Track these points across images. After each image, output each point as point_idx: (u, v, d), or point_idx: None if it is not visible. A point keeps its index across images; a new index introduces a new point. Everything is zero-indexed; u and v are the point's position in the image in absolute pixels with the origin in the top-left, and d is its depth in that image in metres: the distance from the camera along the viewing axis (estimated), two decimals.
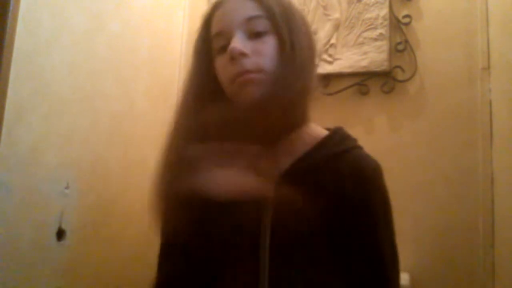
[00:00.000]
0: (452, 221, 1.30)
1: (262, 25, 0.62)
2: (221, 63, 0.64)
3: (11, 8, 0.91)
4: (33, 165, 0.99)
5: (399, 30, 1.44)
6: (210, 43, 0.67)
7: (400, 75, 1.43)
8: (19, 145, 0.94)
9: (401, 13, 1.44)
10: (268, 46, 0.62)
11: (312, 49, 0.66)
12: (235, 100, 0.64)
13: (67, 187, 1.09)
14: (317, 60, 0.70)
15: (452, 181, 1.32)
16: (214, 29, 0.66)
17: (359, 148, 0.69)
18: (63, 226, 1.07)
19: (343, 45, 1.48)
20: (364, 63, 1.44)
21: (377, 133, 1.44)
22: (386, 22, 1.43)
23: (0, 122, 0.89)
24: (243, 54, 0.60)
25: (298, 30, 0.64)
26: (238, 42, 0.60)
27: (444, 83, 1.38)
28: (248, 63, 0.60)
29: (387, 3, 1.44)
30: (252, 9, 0.62)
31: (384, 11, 1.44)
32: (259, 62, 0.61)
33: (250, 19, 0.62)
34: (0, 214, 0.90)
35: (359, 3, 1.48)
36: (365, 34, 1.45)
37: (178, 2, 1.71)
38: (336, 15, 1.50)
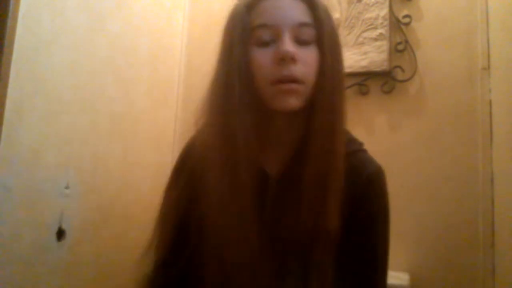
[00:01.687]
0: (452, 221, 1.30)
1: (310, 33, 0.61)
2: (261, 58, 0.61)
3: (11, 8, 0.91)
4: (33, 165, 0.98)
5: (399, 30, 1.44)
6: (249, 31, 0.62)
7: (400, 75, 1.43)
8: (19, 146, 0.94)
9: (401, 13, 1.44)
10: (313, 56, 0.61)
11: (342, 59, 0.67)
12: (267, 101, 0.62)
13: (67, 187, 1.09)
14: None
15: (452, 181, 1.32)
16: (260, 19, 0.62)
17: (364, 151, 0.69)
18: (63, 226, 1.07)
19: (343, 45, 1.47)
20: (364, 63, 1.44)
21: (377, 133, 1.44)
22: (386, 22, 1.43)
23: (0, 122, 0.89)
24: (294, 60, 0.59)
25: (338, 43, 0.65)
26: (291, 46, 0.59)
27: (444, 83, 1.38)
28: (297, 70, 0.59)
29: (387, 3, 1.44)
30: (304, 15, 0.62)
31: (384, 11, 1.44)
32: (305, 72, 0.60)
33: (302, 25, 0.61)
34: (0, 214, 0.90)
35: (359, 3, 1.48)
36: (365, 34, 1.45)
37: (178, 2, 1.71)
38: (336, 15, 1.50)
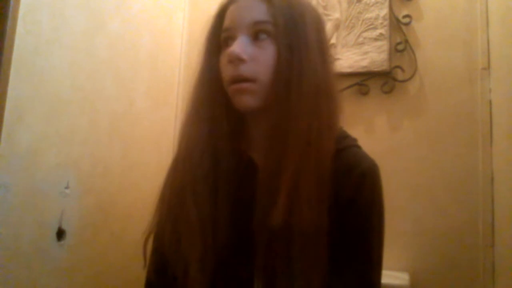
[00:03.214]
0: (452, 221, 1.30)
1: (266, 30, 0.62)
2: (223, 60, 0.65)
3: (11, 8, 0.91)
4: (33, 165, 0.98)
5: (399, 30, 1.44)
6: (219, 36, 0.67)
7: (400, 75, 1.43)
8: (19, 146, 0.94)
9: (401, 13, 1.45)
10: (267, 53, 0.62)
11: (325, 58, 0.66)
12: (232, 102, 0.65)
13: (67, 187, 1.09)
14: (330, 62, 0.68)
15: (452, 181, 1.32)
16: (225, 23, 0.66)
17: (357, 147, 0.69)
18: (63, 226, 1.07)
19: (343, 45, 1.48)
20: (364, 63, 1.44)
21: (377, 133, 1.44)
22: (386, 22, 1.43)
23: (0, 122, 0.89)
24: (240, 60, 0.61)
25: (301, 39, 0.63)
26: (239, 46, 0.61)
27: (444, 83, 1.38)
28: (244, 69, 0.61)
29: (387, 3, 1.44)
30: (261, 13, 0.63)
31: (384, 11, 1.44)
32: (255, 70, 0.61)
33: (257, 23, 0.62)
34: (0, 214, 0.90)
35: (359, 3, 1.48)
36: (365, 34, 1.45)
37: (178, 2, 1.71)
38: (336, 15, 1.50)
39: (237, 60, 0.61)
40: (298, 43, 0.62)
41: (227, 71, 0.63)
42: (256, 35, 0.63)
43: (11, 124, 0.92)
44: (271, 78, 0.62)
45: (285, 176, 0.59)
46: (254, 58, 0.61)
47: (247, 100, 0.62)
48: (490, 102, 1.29)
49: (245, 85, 0.61)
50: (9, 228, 0.92)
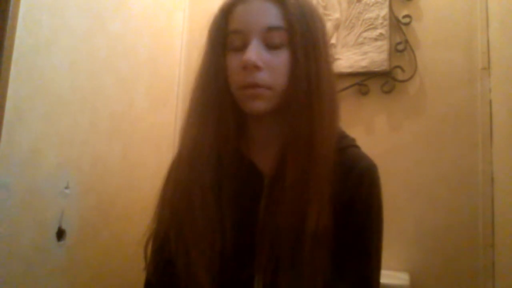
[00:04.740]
0: (452, 221, 1.30)
1: (280, 37, 0.61)
2: (232, 63, 0.63)
3: (11, 8, 0.91)
4: (33, 165, 0.98)
5: (399, 30, 1.44)
6: (225, 35, 0.65)
7: (400, 75, 1.43)
8: (19, 145, 0.94)
9: (401, 13, 1.45)
10: (282, 61, 0.61)
11: (329, 60, 0.65)
12: (240, 105, 0.64)
13: (67, 187, 1.09)
14: (332, 63, 0.68)
15: (452, 181, 1.32)
16: (233, 24, 0.64)
17: (356, 147, 0.69)
18: (63, 226, 1.07)
19: (343, 45, 1.48)
20: (364, 63, 1.44)
21: (377, 133, 1.44)
22: (386, 22, 1.43)
23: (0, 122, 0.89)
24: (257, 67, 0.59)
25: (316, 44, 0.63)
26: (254, 53, 0.59)
27: (444, 83, 1.38)
28: (260, 77, 0.60)
29: (387, 3, 1.44)
30: (275, 18, 0.61)
31: (384, 11, 1.44)
32: (270, 78, 0.60)
33: (271, 29, 0.61)
34: (0, 214, 0.90)
35: (359, 3, 1.48)
36: (365, 34, 1.45)
37: (178, 2, 1.71)
38: (336, 15, 1.50)
39: (254, 67, 0.59)
40: (314, 49, 0.62)
41: (240, 76, 0.61)
42: (269, 40, 0.61)
43: (11, 124, 0.92)
44: (286, 84, 0.61)
45: (313, 181, 0.59)
46: (269, 65, 0.60)
47: (261, 105, 0.61)
48: (490, 102, 1.29)
49: (260, 90, 0.60)
50: (9, 228, 0.92)
